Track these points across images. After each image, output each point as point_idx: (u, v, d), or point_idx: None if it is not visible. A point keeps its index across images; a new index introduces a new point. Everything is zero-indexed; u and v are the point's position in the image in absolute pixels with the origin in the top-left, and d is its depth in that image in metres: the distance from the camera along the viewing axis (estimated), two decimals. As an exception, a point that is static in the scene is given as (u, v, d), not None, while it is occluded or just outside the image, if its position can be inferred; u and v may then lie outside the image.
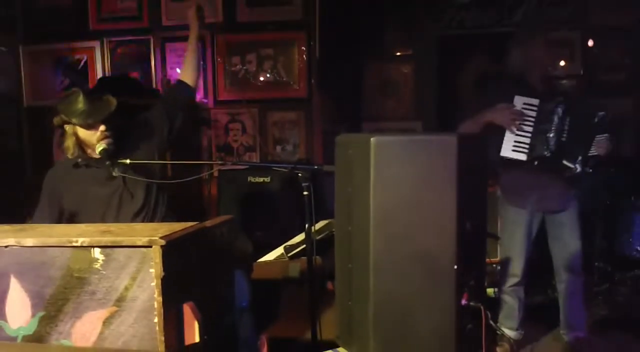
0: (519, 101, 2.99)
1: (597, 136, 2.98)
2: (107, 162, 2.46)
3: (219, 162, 2.58)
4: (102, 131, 2.48)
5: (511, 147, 2.98)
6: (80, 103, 2.46)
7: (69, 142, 2.53)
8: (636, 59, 5.08)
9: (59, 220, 2.56)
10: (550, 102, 2.97)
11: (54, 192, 2.57)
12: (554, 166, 3.00)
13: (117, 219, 2.57)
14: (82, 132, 2.51)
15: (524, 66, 3.09)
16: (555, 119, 2.94)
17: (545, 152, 2.95)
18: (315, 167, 2.45)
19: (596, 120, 2.98)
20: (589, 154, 2.98)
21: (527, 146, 2.96)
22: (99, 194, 2.58)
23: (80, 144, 2.54)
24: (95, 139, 2.49)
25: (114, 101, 2.51)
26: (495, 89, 3.21)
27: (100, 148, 2.46)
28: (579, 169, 2.96)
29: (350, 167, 1.82)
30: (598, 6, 5.10)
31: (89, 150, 2.57)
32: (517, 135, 2.97)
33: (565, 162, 2.97)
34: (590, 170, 3.00)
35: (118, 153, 2.51)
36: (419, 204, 1.72)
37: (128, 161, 2.46)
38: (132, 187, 2.61)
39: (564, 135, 2.96)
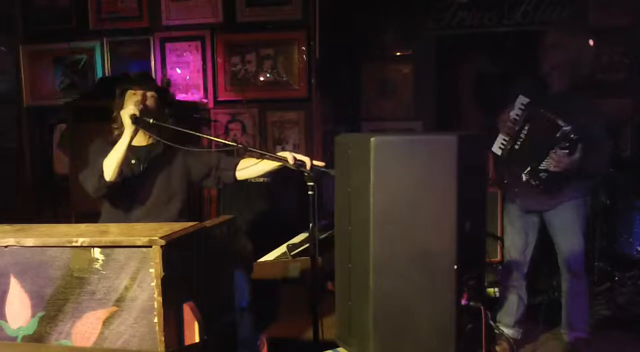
0: (519, 100, 3.02)
1: (553, 151, 2.89)
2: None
3: (240, 145, 2.61)
4: (138, 100, 2.63)
5: (499, 143, 3.06)
6: (134, 76, 2.79)
7: (116, 113, 2.66)
8: (636, 59, 5.08)
9: None
10: (532, 105, 2.97)
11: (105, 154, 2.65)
12: (507, 170, 3.07)
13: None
14: (128, 98, 2.67)
15: (544, 67, 3.07)
16: (517, 126, 2.99)
17: (505, 154, 3.03)
18: (322, 169, 2.46)
19: (558, 134, 2.88)
20: (540, 167, 2.93)
21: (505, 144, 3.04)
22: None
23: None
24: (132, 102, 2.62)
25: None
26: (517, 87, 3.20)
27: (131, 112, 2.53)
28: (524, 178, 2.97)
29: (350, 167, 1.82)
30: (598, 6, 5.10)
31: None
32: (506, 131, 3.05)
33: (514, 168, 3.02)
34: (536, 183, 2.95)
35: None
36: (419, 204, 1.72)
37: (152, 120, 2.54)
38: (149, 181, 2.69)
39: (518, 142, 2.99)
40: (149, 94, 2.68)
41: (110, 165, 2.54)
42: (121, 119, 2.62)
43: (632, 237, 4.25)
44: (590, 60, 3.57)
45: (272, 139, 4.66)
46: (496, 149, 3.06)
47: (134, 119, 2.53)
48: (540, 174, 2.94)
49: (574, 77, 3.06)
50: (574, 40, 3.17)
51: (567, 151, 2.87)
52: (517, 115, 3.01)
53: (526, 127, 2.97)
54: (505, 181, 3.23)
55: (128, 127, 2.53)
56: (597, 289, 4.15)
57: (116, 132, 2.66)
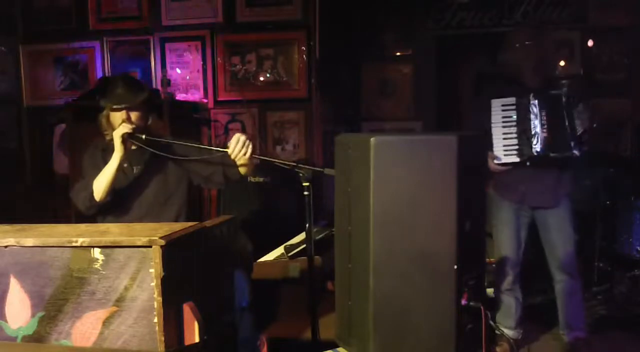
0: (496, 104, 2.99)
1: (574, 111, 2.91)
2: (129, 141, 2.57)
3: (227, 151, 2.59)
4: (123, 118, 2.59)
5: (502, 152, 2.97)
6: (118, 88, 2.63)
7: (103, 122, 2.68)
8: (636, 59, 5.08)
9: None
10: (523, 97, 2.94)
11: (97, 168, 2.65)
12: (546, 162, 2.98)
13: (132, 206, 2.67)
14: (111, 115, 2.65)
15: (517, 65, 3.08)
16: (532, 117, 2.93)
17: (533, 152, 2.93)
18: (317, 168, 2.46)
19: (564, 99, 2.90)
20: (579, 134, 2.91)
21: (516, 148, 2.96)
22: (116, 185, 2.64)
23: (112, 127, 2.64)
24: (117, 123, 2.59)
25: (144, 94, 2.66)
26: (490, 90, 3.21)
27: (122, 132, 2.53)
28: (578, 153, 2.90)
29: (350, 167, 1.82)
30: (598, 6, 5.10)
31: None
32: (503, 139, 2.98)
33: (554, 154, 2.93)
34: (585, 148, 2.92)
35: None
36: (419, 204, 1.72)
37: (144, 136, 2.55)
38: (145, 183, 2.69)
39: (544, 130, 2.92)
40: (132, 113, 2.63)
41: (100, 186, 2.55)
42: (106, 122, 2.64)
43: (632, 237, 4.25)
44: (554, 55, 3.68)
45: (272, 139, 4.66)
46: (509, 158, 2.96)
47: (127, 136, 2.53)
48: (583, 139, 2.92)
49: (547, 71, 3.15)
50: (547, 37, 3.21)
51: (580, 104, 2.92)
52: (509, 116, 2.98)
53: (544, 113, 2.92)
54: (507, 181, 3.20)
55: (118, 150, 2.53)
56: (597, 289, 4.15)
57: (108, 138, 2.66)
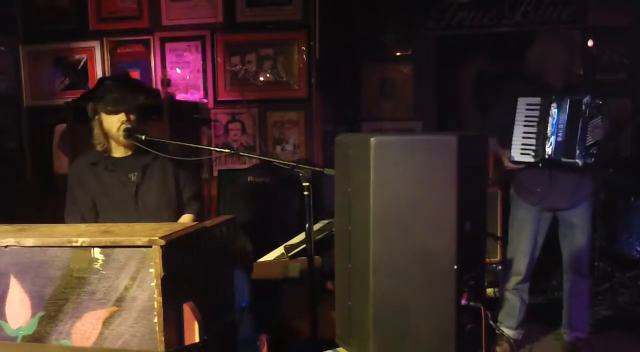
0: (522, 103, 3.00)
1: (590, 122, 2.93)
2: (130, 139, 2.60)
3: (233, 151, 2.60)
4: (122, 120, 2.59)
5: (519, 150, 3.00)
6: (110, 91, 2.61)
7: (97, 131, 2.65)
8: (636, 59, 5.09)
9: (94, 209, 2.69)
10: (547, 99, 2.96)
11: (82, 184, 2.66)
12: (557, 165, 2.99)
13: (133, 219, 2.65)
14: (106, 120, 2.61)
15: (544, 66, 3.08)
16: (550, 119, 2.94)
17: (545, 154, 2.95)
18: (317, 168, 2.46)
19: (583, 108, 2.92)
20: (588, 144, 2.94)
21: (533, 147, 2.97)
22: (115, 196, 2.66)
23: (105, 135, 2.64)
24: (115, 128, 2.59)
25: (141, 97, 2.69)
26: (511, 89, 3.20)
27: (124, 127, 2.55)
28: (580, 163, 2.93)
29: (350, 167, 1.82)
30: (598, 6, 5.11)
31: (112, 145, 2.68)
32: (523, 137, 2.99)
33: (565, 159, 2.95)
34: (592, 159, 2.94)
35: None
36: (419, 204, 1.72)
37: (143, 137, 2.56)
38: (146, 189, 2.69)
39: (560, 134, 2.94)
40: (130, 115, 2.63)
41: None
42: (99, 129, 2.63)
43: (632, 237, 4.25)
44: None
45: (272, 139, 4.66)
46: (518, 156, 3.01)
47: (127, 135, 2.55)
48: (591, 151, 2.94)
49: (571, 73, 3.17)
50: (573, 40, 3.22)
51: (600, 117, 2.93)
52: (532, 116, 2.99)
53: (563, 117, 2.94)
54: (525, 184, 3.18)
55: None
56: (598, 289, 4.15)
57: (99, 148, 2.65)
